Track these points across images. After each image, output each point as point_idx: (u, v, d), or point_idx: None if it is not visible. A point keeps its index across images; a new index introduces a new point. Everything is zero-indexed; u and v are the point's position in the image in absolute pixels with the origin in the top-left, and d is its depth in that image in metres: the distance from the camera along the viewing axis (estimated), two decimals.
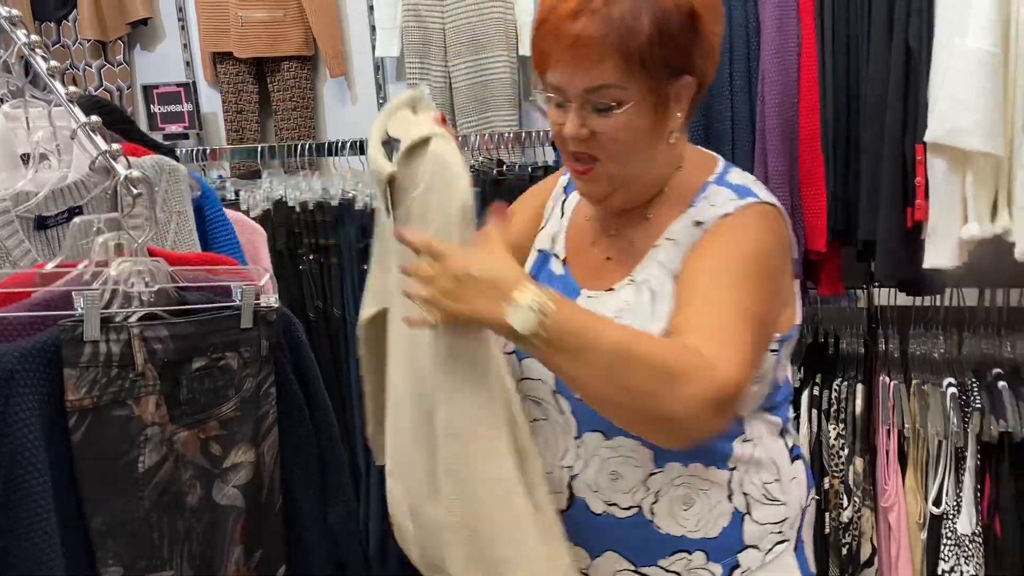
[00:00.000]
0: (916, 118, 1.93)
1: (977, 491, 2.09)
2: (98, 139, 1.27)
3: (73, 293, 1.11)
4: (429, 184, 1.13)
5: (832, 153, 2.07)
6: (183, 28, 3.40)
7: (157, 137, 3.30)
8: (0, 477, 1.01)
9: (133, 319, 1.13)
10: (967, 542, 2.08)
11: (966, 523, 2.08)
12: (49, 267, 1.18)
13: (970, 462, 2.09)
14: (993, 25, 1.80)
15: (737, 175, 1.26)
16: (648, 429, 1.10)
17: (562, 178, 1.41)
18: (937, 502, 2.14)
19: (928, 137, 1.88)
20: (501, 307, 1.04)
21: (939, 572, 2.12)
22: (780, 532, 1.26)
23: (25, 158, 1.34)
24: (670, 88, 1.15)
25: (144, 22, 3.37)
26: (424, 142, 1.13)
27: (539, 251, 1.36)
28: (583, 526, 1.24)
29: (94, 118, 1.28)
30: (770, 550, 1.25)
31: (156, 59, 3.46)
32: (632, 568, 1.24)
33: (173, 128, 3.30)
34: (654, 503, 1.22)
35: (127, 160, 1.27)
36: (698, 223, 1.20)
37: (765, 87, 2.07)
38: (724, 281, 1.12)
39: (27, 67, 1.36)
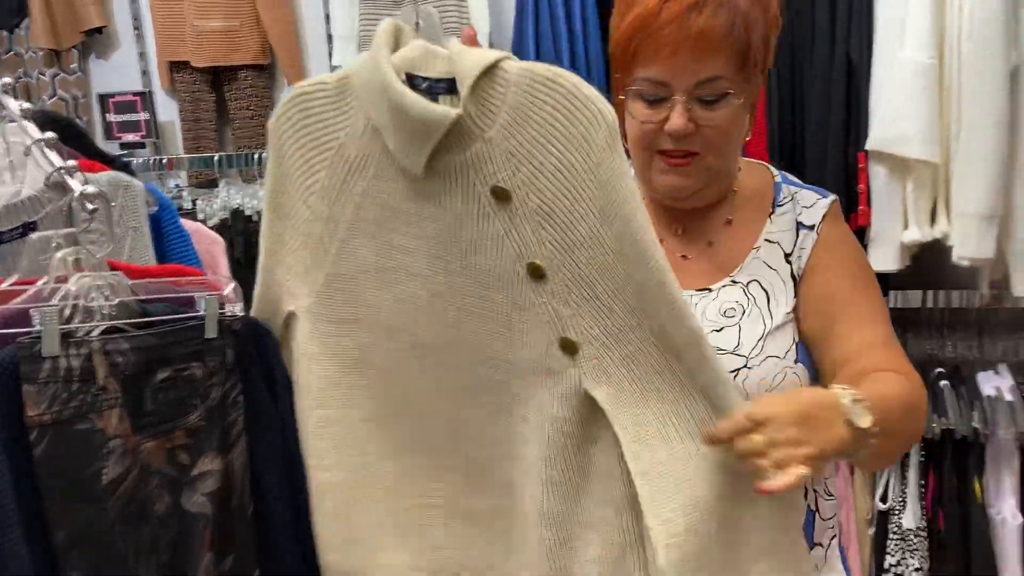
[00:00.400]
0: (858, 127, 2.01)
1: (921, 487, 2.17)
2: (53, 155, 1.29)
3: (31, 310, 1.13)
4: (524, 115, 0.97)
5: (777, 161, 2.14)
6: (139, 37, 3.38)
7: (113, 146, 3.29)
8: None
9: (94, 333, 1.15)
10: (912, 536, 2.16)
11: (911, 518, 2.16)
12: (5, 285, 1.19)
13: (914, 459, 2.17)
14: (929, 37, 1.88)
15: (785, 175, 1.31)
16: (893, 461, 1.19)
17: None
18: (884, 499, 2.22)
19: (869, 145, 1.96)
20: (840, 422, 0.98)
21: (886, 566, 2.20)
22: (833, 527, 1.28)
23: None
24: (757, 86, 1.19)
25: (99, 30, 3.35)
26: (493, 67, 0.95)
27: None
28: None
29: (49, 134, 1.30)
30: (828, 546, 1.27)
31: (112, 68, 3.44)
32: None
33: (130, 137, 3.29)
34: None
35: (83, 176, 1.29)
36: (804, 225, 1.23)
37: None
38: (868, 289, 1.20)
39: None
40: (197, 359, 1.28)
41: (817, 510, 1.25)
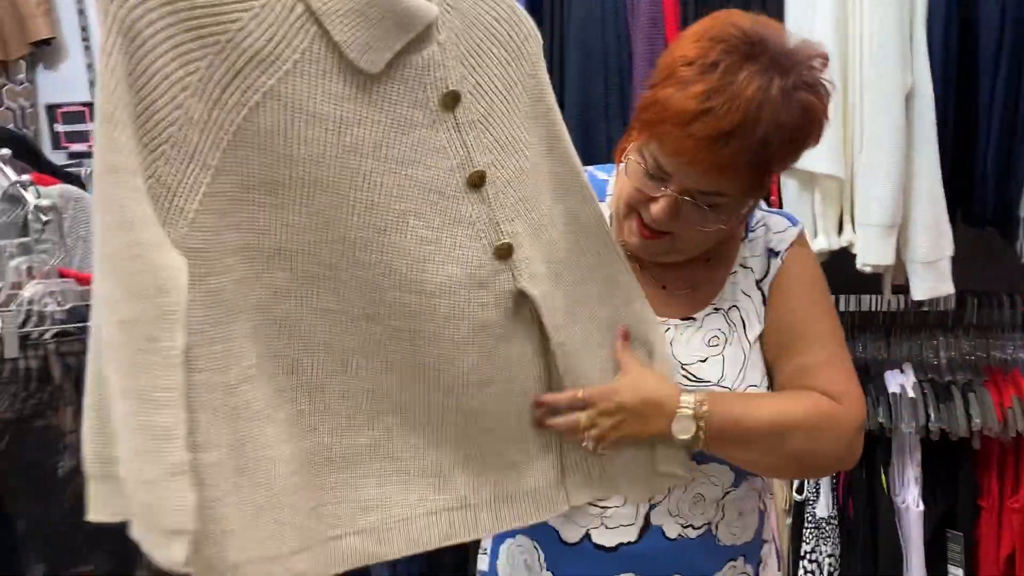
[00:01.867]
0: None
1: (833, 479, 2.31)
2: (8, 170, 1.37)
3: None
4: (471, 23, 0.99)
5: None
6: (87, 48, 3.41)
7: (62, 156, 3.32)
8: None
9: (48, 335, 1.24)
10: (824, 524, 2.29)
11: (824, 507, 2.29)
12: None
13: None
14: (833, 61, 2.01)
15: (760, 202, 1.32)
16: (807, 475, 1.23)
17: None
18: (799, 490, 2.35)
19: None
20: (664, 423, 1.12)
21: (802, 552, 2.33)
22: (772, 522, 1.36)
23: None
24: (764, 189, 1.18)
25: (47, 42, 3.36)
26: None
27: None
28: (654, 554, 1.25)
29: (4, 151, 1.39)
30: (771, 540, 1.36)
31: (60, 78, 3.45)
32: None
33: (78, 147, 3.33)
34: (720, 519, 1.27)
35: (37, 190, 1.37)
36: (772, 252, 1.26)
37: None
38: (821, 314, 1.24)
39: None
40: None
41: (765, 510, 1.34)
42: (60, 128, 3.32)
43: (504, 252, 1.03)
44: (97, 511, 0.91)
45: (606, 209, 1.25)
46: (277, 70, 0.88)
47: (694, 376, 1.21)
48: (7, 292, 1.25)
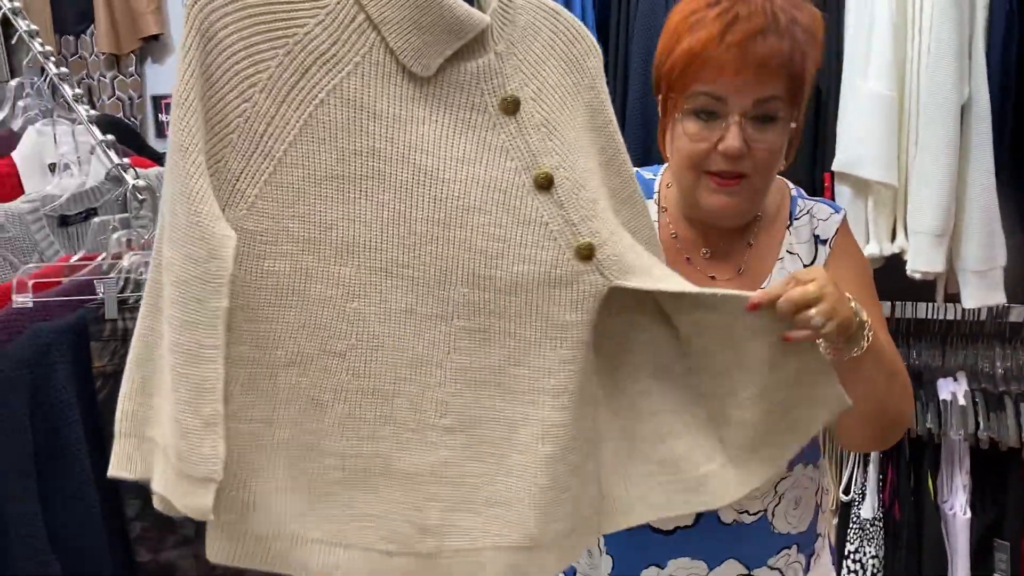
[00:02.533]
0: (824, 150, 2.20)
1: (880, 481, 2.35)
2: (112, 154, 1.55)
3: (95, 281, 1.38)
4: (531, 36, 1.02)
5: None
6: None
7: (164, 143, 3.54)
8: (46, 428, 1.28)
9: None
10: (869, 526, 2.34)
11: (869, 509, 2.34)
12: (74, 259, 1.45)
13: (874, 455, 2.35)
14: (890, 70, 2.06)
15: (800, 190, 1.36)
16: (879, 436, 1.21)
17: None
18: (846, 491, 2.40)
19: (834, 167, 2.15)
20: (851, 310, 1.05)
21: (846, 553, 2.38)
22: (826, 520, 1.39)
23: (52, 167, 1.62)
24: (800, 118, 1.22)
25: (155, 37, 3.60)
26: None
27: None
28: (709, 538, 1.27)
29: (109, 136, 1.56)
30: (824, 535, 1.39)
31: (165, 71, 3.67)
32: (745, 572, 1.30)
33: None
34: (776, 506, 1.29)
35: (135, 171, 1.54)
36: (820, 239, 1.29)
37: None
38: (870, 299, 1.26)
39: (54, 91, 1.65)
40: None
41: (820, 504, 1.37)
42: (164, 118, 3.55)
43: (586, 252, 1.01)
44: (118, 467, 0.96)
45: (653, 207, 1.30)
46: (340, 71, 0.94)
47: None
48: (109, 261, 1.39)
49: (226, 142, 0.91)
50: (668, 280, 1.03)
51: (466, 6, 0.96)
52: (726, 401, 1.06)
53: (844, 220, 1.32)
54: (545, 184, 0.99)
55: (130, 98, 3.65)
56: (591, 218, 1.01)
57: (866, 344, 1.07)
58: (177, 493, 0.91)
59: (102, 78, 3.57)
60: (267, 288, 0.94)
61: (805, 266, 1.28)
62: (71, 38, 3.57)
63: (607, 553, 1.34)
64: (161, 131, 3.56)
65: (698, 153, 1.18)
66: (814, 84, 1.27)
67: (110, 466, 0.97)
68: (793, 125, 1.20)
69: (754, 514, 1.28)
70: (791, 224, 1.30)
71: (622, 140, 1.09)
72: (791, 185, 1.36)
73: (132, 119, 3.50)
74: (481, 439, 1.01)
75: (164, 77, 3.69)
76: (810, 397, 1.06)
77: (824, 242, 1.29)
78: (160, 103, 3.56)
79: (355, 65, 0.94)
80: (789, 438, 1.08)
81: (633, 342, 1.09)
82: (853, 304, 1.05)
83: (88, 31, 3.56)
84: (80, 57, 3.58)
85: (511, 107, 0.99)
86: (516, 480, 1.00)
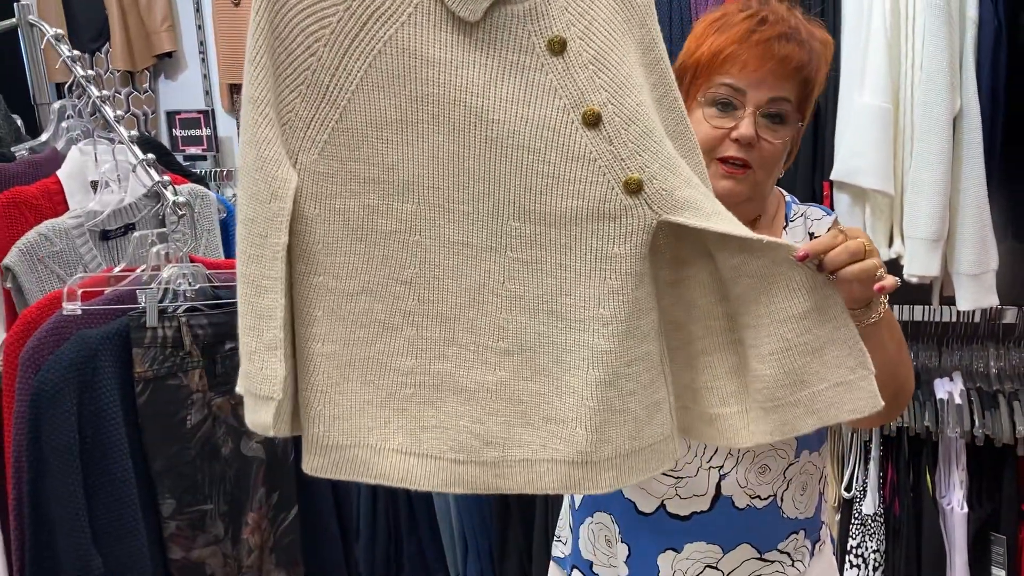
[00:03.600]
0: (823, 160, 2.29)
1: (880, 478, 2.43)
2: (152, 172, 1.63)
3: (137, 291, 1.46)
4: None
5: None
6: (203, 60, 3.72)
7: (178, 157, 3.63)
8: (92, 428, 1.36)
9: (181, 311, 1.47)
10: (870, 521, 2.41)
11: (870, 505, 2.41)
12: (116, 271, 1.53)
13: (875, 453, 2.43)
14: (885, 84, 2.15)
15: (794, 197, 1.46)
16: (891, 406, 1.14)
17: None
18: (848, 488, 2.48)
19: (833, 176, 2.23)
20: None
21: (848, 548, 2.45)
22: (825, 508, 1.46)
23: (94, 185, 1.70)
24: (802, 125, 1.33)
25: (169, 55, 3.69)
26: None
27: None
28: (724, 523, 1.34)
29: (150, 156, 1.64)
30: (826, 524, 1.46)
31: (178, 88, 3.78)
32: (757, 556, 1.36)
33: (193, 150, 3.63)
34: (785, 491, 1.35)
35: (174, 188, 1.63)
36: (813, 236, 1.37)
37: None
38: None
39: (93, 113, 1.73)
40: None
41: (823, 492, 1.44)
42: (177, 133, 3.62)
43: (635, 187, 1.02)
44: (240, 384, 1.05)
45: None
46: (395, 22, 0.99)
47: None
48: (149, 273, 1.47)
49: (296, 93, 0.99)
50: (716, 218, 1.05)
51: None
52: (750, 352, 1.09)
53: (835, 221, 1.41)
54: (593, 121, 1.01)
55: (144, 114, 3.73)
56: (640, 152, 1.03)
57: (883, 311, 1.14)
58: (247, 409, 1.01)
59: (117, 94, 3.66)
60: (339, 224, 1.02)
61: None
62: (86, 56, 3.65)
63: (622, 541, 1.41)
64: (175, 146, 3.64)
65: (714, 138, 1.27)
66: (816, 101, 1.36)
67: (237, 383, 1.05)
68: (793, 129, 1.29)
69: (765, 499, 1.34)
70: (787, 225, 1.39)
71: (673, 77, 1.09)
72: (785, 193, 1.46)
73: (146, 134, 3.59)
74: (535, 361, 1.06)
75: (177, 93, 3.79)
76: (840, 383, 1.07)
77: (815, 236, 1.36)
78: (174, 118, 3.64)
79: (408, 16, 0.99)
80: (803, 411, 1.08)
81: (682, 277, 1.12)
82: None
83: (103, 49, 3.65)
84: (95, 74, 3.67)
85: (558, 47, 1.01)
86: (569, 399, 1.05)
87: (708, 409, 1.13)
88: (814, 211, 1.42)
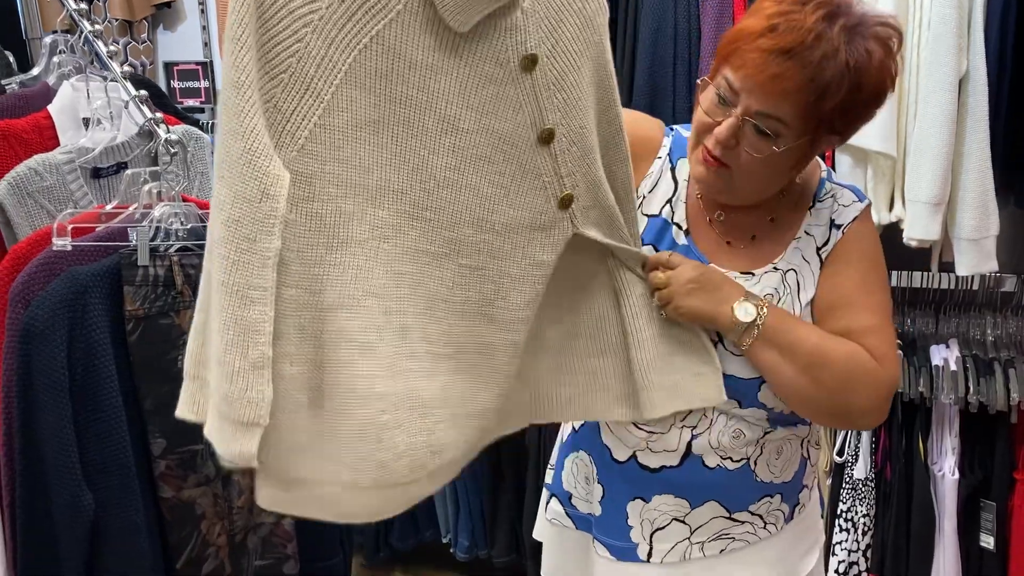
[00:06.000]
0: None
1: (872, 443, 2.43)
2: (145, 109, 1.61)
3: (128, 229, 1.45)
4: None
5: None
6: (203, 12, 3.68)
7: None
8: (82, 365, 1.35)
9: (172, 250, 1.46)
10: (861, 486, 2.41)
11: (861, 470, 2.41)
12: (108, 208, 1.51)
13: None
14: None
15: (831, 172, 1.39)
16: (830, 419, 1.26)
17: (665, 140, 1.40)
18: (840, 452, 2.48)
19: None
20: (728, 306, 1.22)
21: (838, 512, 2.46)
22: (815, 472, 1.46)
23: (85, 122, 1.68)
24: (822, 142, 1.23)
25: (168, 4, 3.64)
26: None
27: (654, 216, 1.36)
28: (693, 479, 1.34)
29: (143, 92, 1.62)
30: (812, 487, 1.46)
31: (177, 39, 3.74)
32: (726, 515, 1.37)
33: (191, 102, 3.60)
34: (759, 456, 1.35)
35: (167, 127, 1.60)
36: (835, 224, 1.31)
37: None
38: (874, 285, 1.29)
39: (87, 49, 1.71)
40: None
41: (808, 457, 1.43)
42: (175, 84, 3.59)
43: (566, 202, 1.12)
44: (183, 408, 0.98)
45: (685, 165, 1.34)
46: (383, 18, 0.94)
47: None
48: (140, 211, 1.46)
49: (277, 81, 0.91)
50: (615, 232, 1.22)
51: None
52: (629, 340, 1.26)
53: (866, 209, 1.34)
54: (546, 138, 1.08)
55: (142, 64, 3.69)
56: (575, 172, 1.12)
57: (751, 336, 1.22)
58: (222, 438, 0.91)
59: (115, 44, 3.61)
60: (314, 230, 0.95)
61: (818, 249, 1.31)
62: (84, 4, 3.59)
63: (598, 482, 1.43)
64: (173, 97, 3.60)
65: (703, 125, 1.25)
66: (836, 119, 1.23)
67: (177, 407, 0.99)
68: (787, 147, 1.19)
69: (737, 461, 1.34)
70: (813, 205, 1.33)
71: (617, 93, 1.17)
72: (823, 167, 1.38)
73: (140, 75, 3.54)
74: (468, 364, 1.11)
75: (176, 44, 3.75)
76: (695, 373, 1.27)
77: (839, 227, 1.31)
78: (172, 69, 3.60)
79: (397, 13, 0.95)
80: (673, 394, 1.28)
81: (578, 281, 1.25)
82: (738, 304, 1.23)
83: None
84: (93, 23, 3.61)
85: (529, 64, 1.03)
86: (487, 395, 1.14)
87: (612, 388, 1.30)
88: (845, 195, 1.35)
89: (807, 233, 1.32)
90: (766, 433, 1.34)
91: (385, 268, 1.01)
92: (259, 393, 0.89)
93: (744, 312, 1.23)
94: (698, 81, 1.32)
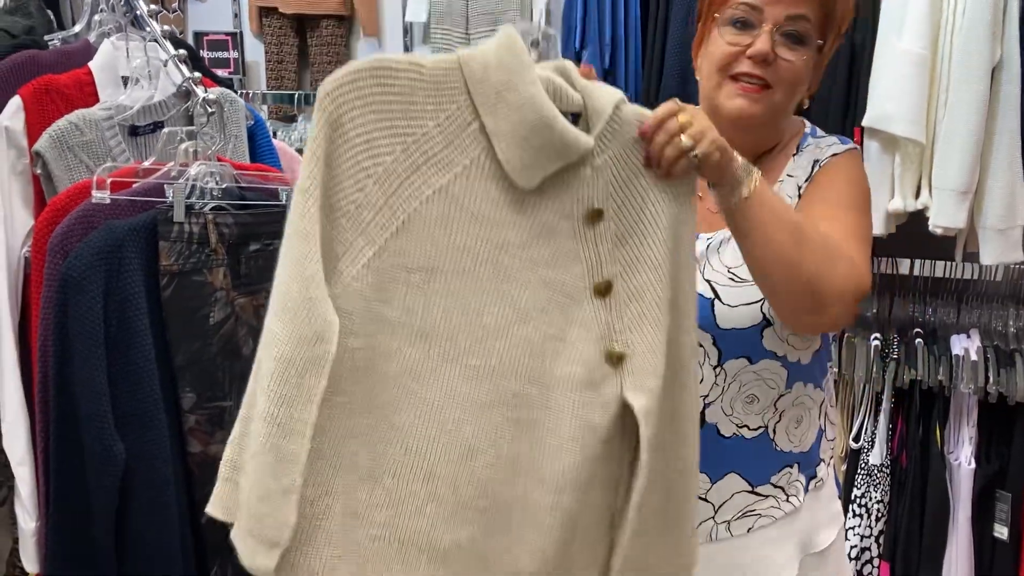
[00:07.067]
0: (856, 106, 2.26)
1: (889, 430, 2.44)
2: (184, 68, 1.62)
3: (165, 185, 1.47)
4: (629, 151, 1.05)
5: None
6: None
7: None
8: (117, 317, 1.37)
9: (207, 208, 1.48)
10: (876, 472, 2.42)
11: (877, 456, 2.42)
12: (145, 164, 1.53)
13: (885, 404, 2.44)
14: (925, 30, 2.12)
15: (816, 129, 1.40)
16: (805, 296, 1.15)
17: None
18: (856, 438, 2.49)
19: (864, 122, 2.21)
20: (731, 154, 1.09)
21: (852, 497, 2.47)
22: (832, 448, 1.44)
23: (124, 80, 1.69)
24: (826, 52, 1.31)
25: None
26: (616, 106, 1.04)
27: None
28: (710, 450, 1.26)
29: (181, 52, 1.63)
30: (829, 463, 1.43)
31: (207, 9, 3.75)
32: (749, 488, 1.35)
33: (220, 73, 3.62)
34: (777, 422, 1.33)
35: (204, 87, 1.62)
36: (817, 161, 1.34)
37: None
38: (845, 205, 1.27)
39: (126, 9, 1.72)
40: (279, 237, 1.56)
41: (824, 430, 1.42)
42: (205, 54, 3.61)
43: (616, 359, 1.06)
44: (214, 508, 1.03)
45: None
46: (449, 172, 1.01)
47: (739, 277, 1.30)
48: (177, 168, 1.48)
49: (335, 224, 0.99)
50: (651, 417, 1.06)
51: (574, 130, 1.01)
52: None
53: (851, 151, 1.35)
54: (603, 291, 1.06)
55: (172, 33, 3.70)
56: (632, 329, 1.06)
57: (750, 189, 1.10)
58: (246, 550, 0.98)
59: (153, 4, 3.63)
60: (346, 363, 0.99)
61: (799, 186, 1.32)
62: None
63: None
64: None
65: (728, 55, 1.26)
66: (847, 34, 1.33)
67: (209, 506, 1.04)
68: (815, 50, 1.26)
69: (754, 429, 1.33)
70: (796, 153, 1.36)
71: (694, 254, 1.11)
72: (808, 124, 1.41)
73: (178, 36, 3.56)
74: (507, 520, 1.06)
75: (205, 14, 3.77)
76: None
77: (818, 162, 1.34)
78: (202, 39, 3.62)
79: (464, 168, 1.01)
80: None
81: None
82: (738, 157, 1.10)
83: None
84: None
85: (594, 218, 1.05)
86: (531, 557, 1.07)
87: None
88: (828, 140, 1.38)
89: (789, 176, 1.34)
90: (780, 396, 1.33)
91: (413, 408, 1.03)
92: (285, 517, 0.96)
93: (744, 167, 1.12)
94: (699, 26, 1.35)
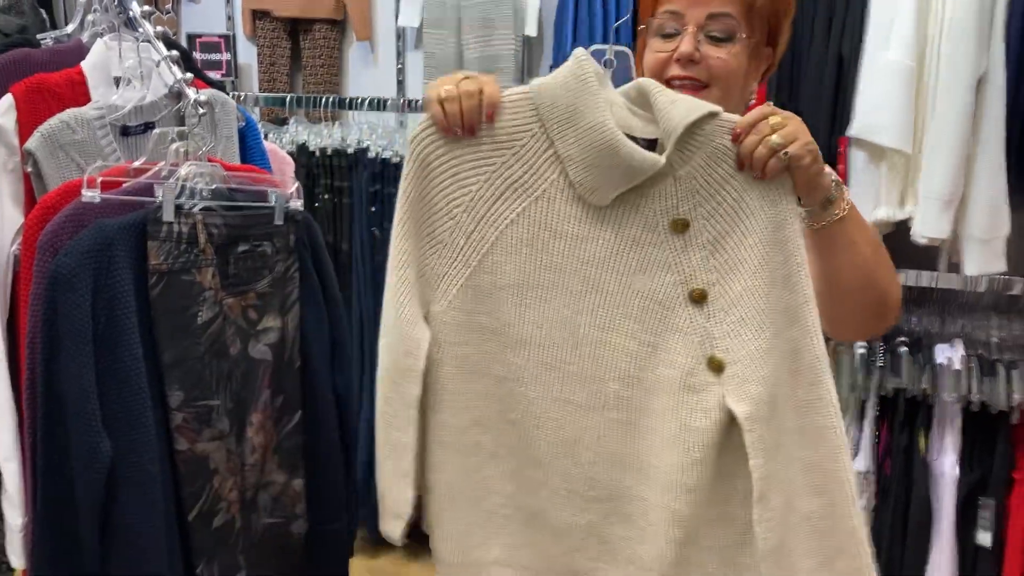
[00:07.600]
0: (843, 116, 2.28)
1: (875, 437, 2.45)
2: (176, 69, 1.63)
3: (155, 185, 1.47)
4: (719, 158, 1.07)
5: None
6: None
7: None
8: (105, 315, 1.37)
9: (197, 208, 1.48)
10: (860, 479, 2.44)
11: (862, 463, 2.44)
12: (135, 164, 1.54)
13: (870, 412, 2.45)
14: (912, 41, 2.14)
15: None
16: (878, 307, 1.17)
17: None
18: None
19: (851, 132, 2.23)
20: (822, 163, 1.10)
21: None
22: None
23: (116, 81, 1.69)
24: (761, 48, 1.30)
25: None
26: (700, 120, 1.06)
27: None
28: None
29: (174, 52, 1.64)
30: None
31: (200, 11, 3.77)
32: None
33: (212, 75, 3.61)
34: None
35: (195, 88, 1.62)
36: None
37: None
38: None
39: (120, 9, 1.73)
40: (267, 239, 1.58)
41: None
42: (198, 56, 3.62)
43: (716, 366, 1.08)
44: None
45: None
46: (530, 195, 1.12)
47: None
48: (168, 168, 1.47)
49: (435, 250, 1.15)
50: (761, 425, 1.07)
51: (641, 152, 1.06)
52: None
53: None
54: (699, 298, 1.09)
55: (165, 35, 3.70)
56: (732, 336, 1.08)
57: (847, 207, 1.13)
58: (381, 519, 1.25)
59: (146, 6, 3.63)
60: (458, 366, 1.19)
61: None
62: None
63: None
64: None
65: (659, 62, 1.29)
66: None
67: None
68: (745, 43, 1.25)
69: None
70: None
71: (804, 256, 1.08)
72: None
73: (171, 37, 3.56)
74: (624, 510, 1.16)
75: (199, 17, 3.78)
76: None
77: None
78: (195, 41, 3.63)
79: (543, 191, 1.11)
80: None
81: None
82: (829, 169, 1.11)
83: None
84: None
85: (680, 227, 1.09)
86: (652, 550, 1.14)
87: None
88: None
89: None
90: None
91: (521, 406, 1.18)
92: (403, 494, 1.20)
93: (839, 186, 1.14)
94: (638, 42, 1.37)
